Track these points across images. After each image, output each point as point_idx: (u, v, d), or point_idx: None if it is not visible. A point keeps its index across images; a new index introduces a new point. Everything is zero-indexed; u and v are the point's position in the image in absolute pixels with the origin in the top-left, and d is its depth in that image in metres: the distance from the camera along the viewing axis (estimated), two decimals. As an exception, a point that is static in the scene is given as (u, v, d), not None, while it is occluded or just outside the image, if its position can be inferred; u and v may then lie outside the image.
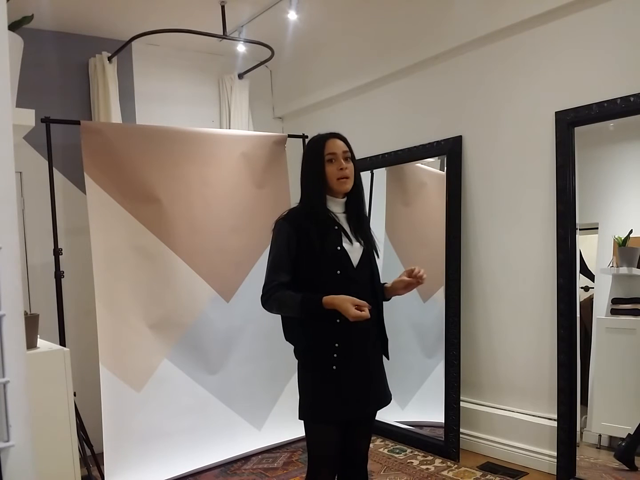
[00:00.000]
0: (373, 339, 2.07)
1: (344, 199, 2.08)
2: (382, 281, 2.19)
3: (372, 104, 4.10)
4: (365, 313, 1.85)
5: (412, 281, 2.07)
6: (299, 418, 2.04)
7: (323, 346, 1.98)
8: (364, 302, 1.88)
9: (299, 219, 2.01)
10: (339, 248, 1.99)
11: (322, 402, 1.99)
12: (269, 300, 1.98)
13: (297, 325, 2.03)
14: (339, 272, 1.98)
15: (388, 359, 2.15)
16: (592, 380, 2.93)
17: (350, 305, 1.85)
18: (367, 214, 2.26)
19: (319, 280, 1.97)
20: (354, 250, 2.03)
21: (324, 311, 1.90)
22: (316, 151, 2.04)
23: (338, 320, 1.94)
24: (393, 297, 2.19)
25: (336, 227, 2.02)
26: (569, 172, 2.92)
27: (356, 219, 2.08)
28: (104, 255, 3.32)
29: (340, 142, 2.06)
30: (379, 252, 2.15)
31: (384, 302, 2.16)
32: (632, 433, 2.80)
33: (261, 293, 2.01)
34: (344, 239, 2.02)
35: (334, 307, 1.88)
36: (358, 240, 2.05)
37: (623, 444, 2.82)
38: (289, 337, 2.09)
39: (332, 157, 2.02)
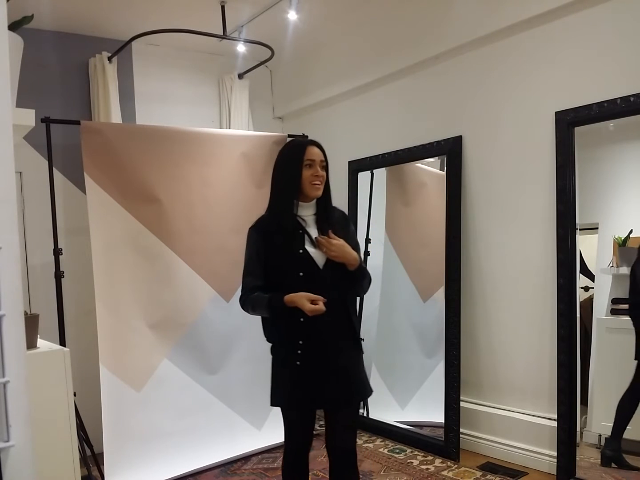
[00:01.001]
0: (340, 334, 2.17)
1: (314, 201, 2.19)
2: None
3: (372, 104, 4.10)
4: (320, 306, 2.00)
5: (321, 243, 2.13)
6: (270, 405, 2.23)
7: (289, 343, 2.14)
8: (319, 296, 2.02)
9: (265, 227, 2.18)
10: (301, 251, 2.12)
11: (284, 391, 2.17)
12: (245, 302, 2.17)
13: (269, 325, 2.22)
14: (301, 273, 2.11)
15: (362, 352, 2.25)
16: (592, 380, 2.93)
17: (305, 301, 2.01)
18: (342, 214, 2.33)
19: (286, 281, 2.11)
20: (319, 252, 2.13)
21: (287, 309, 2.05)
22: (296, 155, 2.15)
23: (302, 319, 2.07)
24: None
25: (300, 231, 2.14)
26: (569, 172, 2.92)
27: (324, 221, 2.18)
28: (104, 255, 3.31)
29: (319, 151, 2.17)
30: (357, 251, 2.20)
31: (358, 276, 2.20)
32: (608, 437, 2.84)
33: (239, 296, 2.20)
34: (307, 243, 2.13)
35: (294, 304, 2.03)
36: None
37: (606, 450, 2.86)
38: (266, 335, 2.25)
39: (310, 162, 2.13)
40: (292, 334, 2.12)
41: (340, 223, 2.22)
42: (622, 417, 2.81)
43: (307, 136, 4.21)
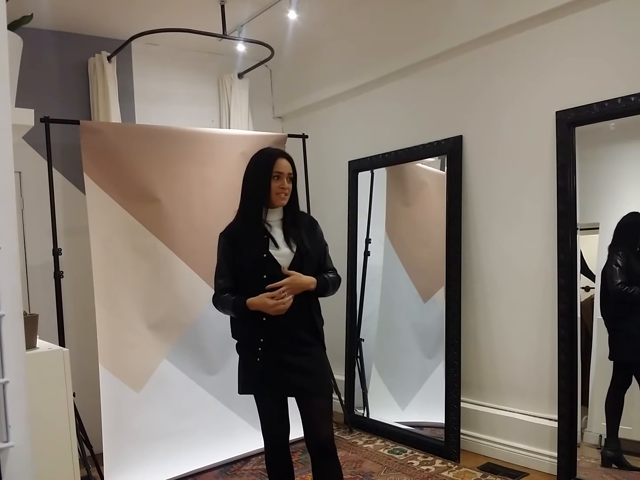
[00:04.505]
0: (302, 334, 2.28)
1: (281, 207, 2.33)
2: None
3: (372, 104, 4.09)
4: (282, 303, 2.14)
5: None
6: (238, 392, 2.36)
7: (251, 341, 2.27)
8: (278, 292, 2.16)
9: (233, 233, 2.32)
10: (265, 255, 2.24)
11: (252, 381, 2.29)
12: (216, 302, 2.32)
13: (235, 324, 2.36)
14: (265, 276, 2.22)
15: (325, 348, 2.37)
16: (593, 380, 2.92)
17: (266, 300, 2.16)
18: (310, 219, 2.46)
19: (251, 283, 2.24)
20: (282, 255, 2.27)
21: (249, 311, 2.20)
22: (266, 166, 2.28)
23: (264, 319, 2.22)
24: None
25: (265, 236, 2.27)
26: (569, 172, 2.92)
27: (290, 225, 2.32)
28: (103, 256, 3.31)
29: (287, 164, 2.30)
30: (307, 256, 2.30)
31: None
32: (605, 437, 2.85)
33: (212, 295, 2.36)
34: (272, 246, 2.26)
35: (256, 308, 2.18)
36: (289, 246, 2.29)
37: (607, 451, 2.85)
38: (232, 333, 2.38)
39: (278, 174, 2.27)
40: (253, 333, 2.26)
41: (307, 227, 2.37)
42: (611, 416, 2.83)
43: (307, 136, 4.22)
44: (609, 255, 2.85)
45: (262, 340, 2.24)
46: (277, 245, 2.26)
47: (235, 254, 2.28)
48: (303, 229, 2.35)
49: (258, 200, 2.27)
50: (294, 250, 2.28)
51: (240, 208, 2.34)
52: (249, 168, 2.35)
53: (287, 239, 2.29)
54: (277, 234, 2.30)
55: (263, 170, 2.27)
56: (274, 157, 2.28)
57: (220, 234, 2.36)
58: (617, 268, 2.81)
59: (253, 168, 2.34)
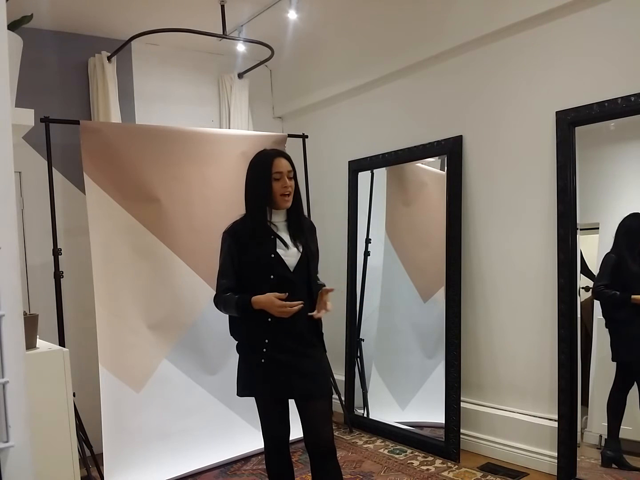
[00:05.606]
0: (305, 336, 2.28)
1: (285, 209, 2.33)
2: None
3: (372, 104, 4.09)
4: (290, 306, 2.13)
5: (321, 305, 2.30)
6: (237, 394, 2.35)
7: (255, 342, 2.25)
8: (282, 296, 2.15)
9: (239, 232, 2.30)
10: (272, 255, 2.25)
11: (253, 383, 2.28)
12: (218, 302, 2.30)
13: (236, 323, 2.33)
14: (272, 276, 2.24)
15: (325, 350, 2.38)
16: (593, 380, 2.92)
17: (274, 300, 2.14)
18: (311, 224, 2.49)
19: (257, 283, 2.23)
20: (290, 255, 2.28)
21: (254, 310, 2.18)
22: (264, 168, 2.28)
23: (269, 320, 2.20)
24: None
25: (272, 237, 2.28)
26: (569, 172, 2.92)
27: (295, 226, 2.33)
28: (103, 256, 3.31)
29: (286, 162, 2.30)
30: (312, 257, 2.36)
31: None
32: (606, 437, 2.85)
33: (213, 295, 2.34)
34: (279, 246, 2.27)
35: (261, 306, 2.16)
36: (296, 246, 2.30)
37: (607, 451, 2.85)
38: (231, 333, 2.37)
39: (278, 175, 2.26)
40: (258, 333, 2.24)
41: (309, 231, 2.40)
42: (613, 416, 2.83)
43: (307, 136, 4.22)
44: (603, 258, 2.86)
45: (267, 341, 2.23)
46: (286, 245, 2.27)
47: (240, 253, 2.27)
48: (306, 231, 2.37)
49: (262, 203, 2.28)
50: (301, 250, 2.30)
51: (246, 210, 2.35)
52: (249, 171, 2.35)
53: (293, 240, 2.31)
54: (284, 235, 2.31)
55: (262, 173, 2.27)
56: (271, 158, 2.28)
57: (225, 232, 2.34)
58: (604, 271, 2.84)
59: (252, 171, 2.34)
